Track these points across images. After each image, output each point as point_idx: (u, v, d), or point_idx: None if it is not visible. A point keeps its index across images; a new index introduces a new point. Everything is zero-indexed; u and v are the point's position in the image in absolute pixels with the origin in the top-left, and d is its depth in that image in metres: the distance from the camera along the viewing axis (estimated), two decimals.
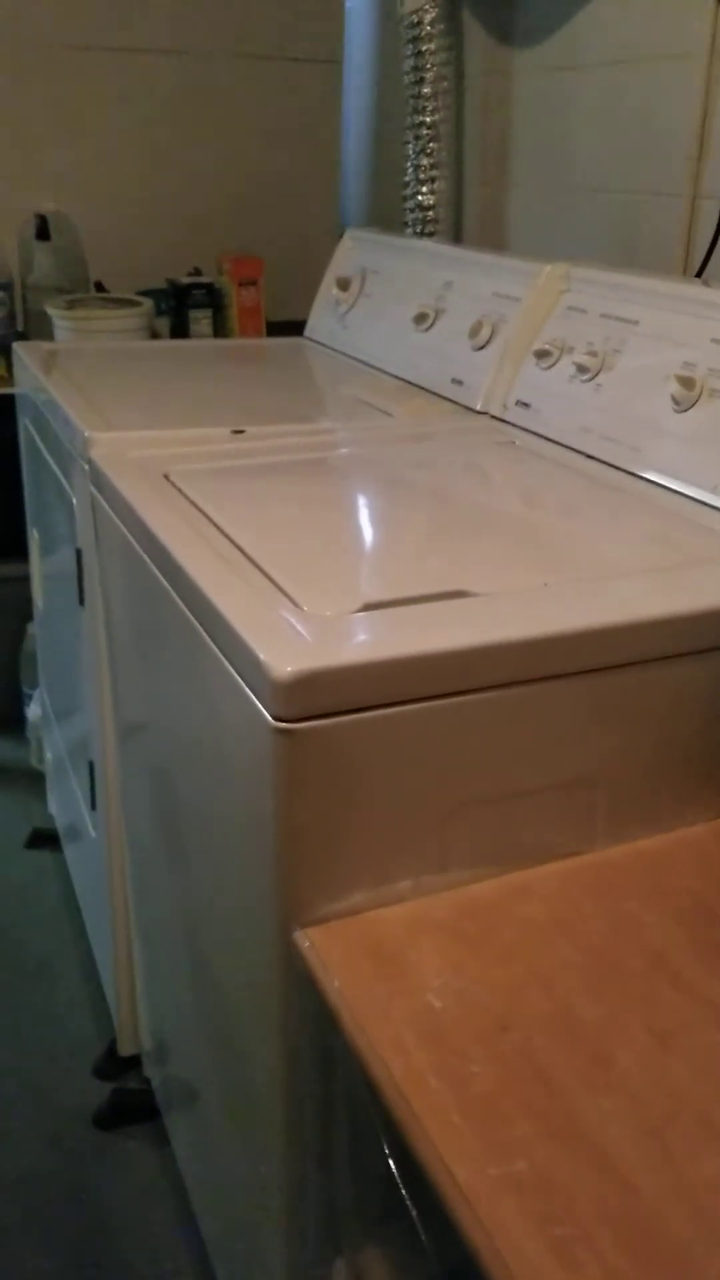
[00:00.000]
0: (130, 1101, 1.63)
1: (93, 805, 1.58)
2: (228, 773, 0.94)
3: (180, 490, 1.16)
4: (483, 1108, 0.69)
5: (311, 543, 1.06)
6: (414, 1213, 0.69)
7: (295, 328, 2.08)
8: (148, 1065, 1.63)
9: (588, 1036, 0.75)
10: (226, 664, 0.88)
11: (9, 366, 2.09)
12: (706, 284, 1.32)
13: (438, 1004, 0.77)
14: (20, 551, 2.02)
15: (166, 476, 1.20)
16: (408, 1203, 0.70)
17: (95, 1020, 1.80)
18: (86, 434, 1.33)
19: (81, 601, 1.46)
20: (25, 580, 2.06)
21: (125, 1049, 1.64)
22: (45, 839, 2.19)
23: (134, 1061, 1.66)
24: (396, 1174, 0.71)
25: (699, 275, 1.61)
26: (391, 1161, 0.72)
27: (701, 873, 0.91)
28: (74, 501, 1.43)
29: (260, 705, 0.82)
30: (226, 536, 1.04)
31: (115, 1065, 1.68)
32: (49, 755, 2.17)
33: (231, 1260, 1.28)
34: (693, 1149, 0.67)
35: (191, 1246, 1.45)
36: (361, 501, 1.22)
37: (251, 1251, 1.16)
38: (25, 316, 2.41)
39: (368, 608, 0.89)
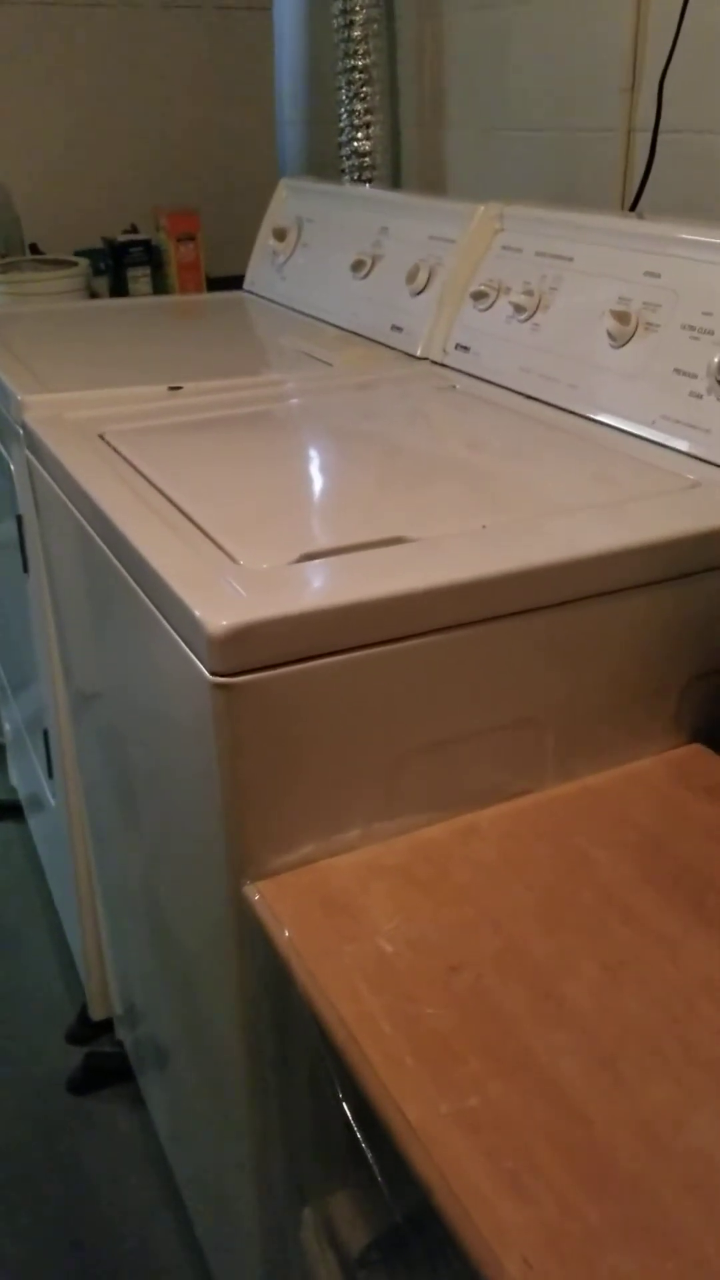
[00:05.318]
0: (103, 1065, 1.64)
1: (50, 774, 1.57)
2: (173, 732, 0.94)
3: (116, 450, 1.15)
4: (434, 1048, 0.69)
5: (250, 497, 1.04)
6: (370, 1155, 0.69)
7: (237, 282, 2.05)
8: (119, 1028, 1.63)
9: (539, 973, 0.75)
10: (165, 623, 0.87)
11: None
12: (640, 217, 1.31)
13: (389, 948, 0.77)
14: None
15: (102, 436, 1.18)
16: (363, 1146, 0.70)
17: (67, 987, 1.80)
18: (20, 397, 1.31)
19: (26, 569, 1.44)
20: None
21: (97, 1013, 1.65)
22: (8, 810, 2.18)
23: (106, 1026, 1.66)
24: (352, 1119, 0.71)
25: (633, 209, 1.59)
26: (346, 1106, 0.72)
27: (650, 807, 0.91)
28: (11, 468, 1.41)
29: (198, 662, 0.81)
30: (163, 494, 1.02)
31: (88, 1030, 1.68)
32: (7, 727, 2.15)
33: (207, 1214, 1.29)
34: (644, 1078, 0.67)
35: (170, 1203, 1.46)
36: (301, 453, 1.20)
37: (224, 1204, 1.17)
38: None
39: (305, 558, 0.89)
